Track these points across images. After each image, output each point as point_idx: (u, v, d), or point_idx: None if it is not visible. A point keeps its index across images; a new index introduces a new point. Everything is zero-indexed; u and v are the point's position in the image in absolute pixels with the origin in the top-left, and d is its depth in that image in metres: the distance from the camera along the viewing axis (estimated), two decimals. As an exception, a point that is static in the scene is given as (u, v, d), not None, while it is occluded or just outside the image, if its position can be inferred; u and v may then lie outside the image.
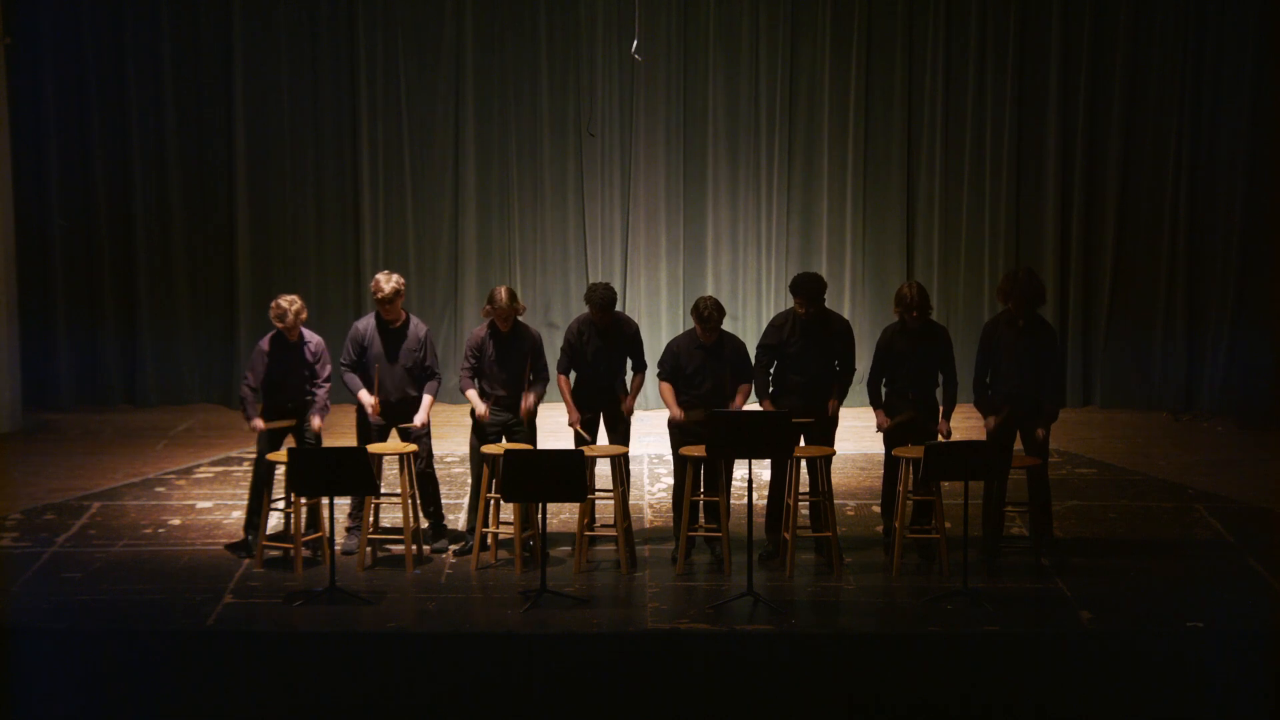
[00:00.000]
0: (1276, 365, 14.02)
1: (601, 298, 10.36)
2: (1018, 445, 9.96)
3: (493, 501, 10.19)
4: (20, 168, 14.17)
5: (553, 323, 14.61)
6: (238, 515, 11.06)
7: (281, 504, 10.32)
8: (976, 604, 9.28)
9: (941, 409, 10.18)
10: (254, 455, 10.49)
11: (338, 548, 9.91)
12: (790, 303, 10.39)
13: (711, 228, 15.02)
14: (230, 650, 8.86)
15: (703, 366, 10.17)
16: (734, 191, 14.98)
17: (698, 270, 15.05)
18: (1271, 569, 9.96)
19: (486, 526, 10.18)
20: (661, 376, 10.31)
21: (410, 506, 10.10)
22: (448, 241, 15.06)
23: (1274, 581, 9.79)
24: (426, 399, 10.42)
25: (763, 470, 12.28)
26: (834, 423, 10.28)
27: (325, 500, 9.87)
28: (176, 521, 11.03)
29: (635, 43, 13.54)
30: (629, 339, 10.56)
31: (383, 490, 10.34)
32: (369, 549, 10.23)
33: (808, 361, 10.14)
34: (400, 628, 9.09)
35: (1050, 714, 8.57)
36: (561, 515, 10.92)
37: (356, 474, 9.38)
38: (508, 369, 10.35)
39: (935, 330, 10.33)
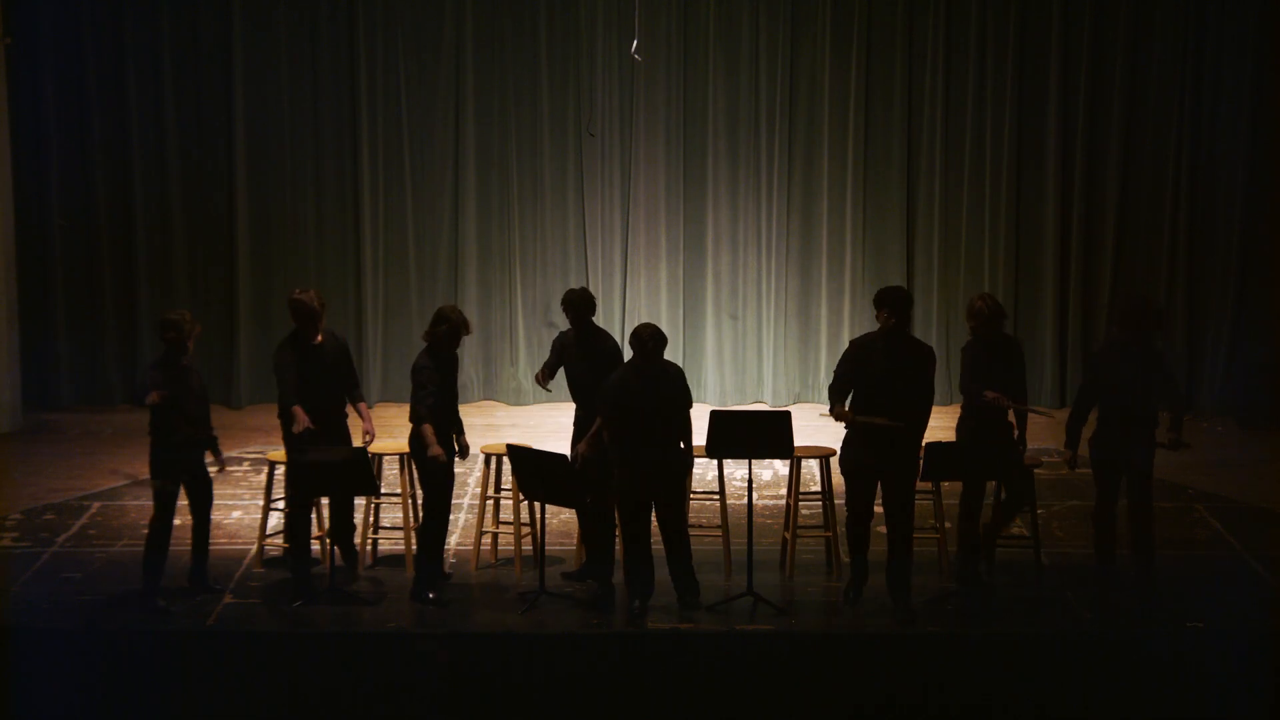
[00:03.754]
0: (1276, 365, 14.03)
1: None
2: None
3: (492, 501, 10.20)
4: (20, 168, 14.17)
5: (552, 323, 14.61)
6: (238, 515, 11.07)
7: (281, 504, 10.31)
8: (976, 604, 9.28)
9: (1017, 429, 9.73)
10: (254, 456, 10.47)
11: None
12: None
13: (711, 228, 15.02)
14: (230, 650, 8.86)
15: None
16: (734, 191, 14.98)
17: (698, 270, 15.04)
18: (1271, 569, 9.96)
19: (486, 527, 10.18)
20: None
21: (410, 507, 10.10)
22: (448, 241, 15.05)
23: (1274, 581, 9.79)
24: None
25: (763, 470, 12.28)
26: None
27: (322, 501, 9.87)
28: (177, 521, 10.94)
29: (635, 43, 13.54)
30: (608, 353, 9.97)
31: (383, 491, 10.34)
32: (369, 549, 10.23)
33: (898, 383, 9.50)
34: (400, 628, 9.09)
35: (1050, 714, 8.57)
36: (562, 514, 10.91)
37: (356, 474, 9.37)
38: (324, 385, 9.81)
39: (1013, 343, 9.88)
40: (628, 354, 9.61)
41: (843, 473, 9.45)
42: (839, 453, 9.50)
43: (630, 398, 9.25)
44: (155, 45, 14.67)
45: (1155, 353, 9.68)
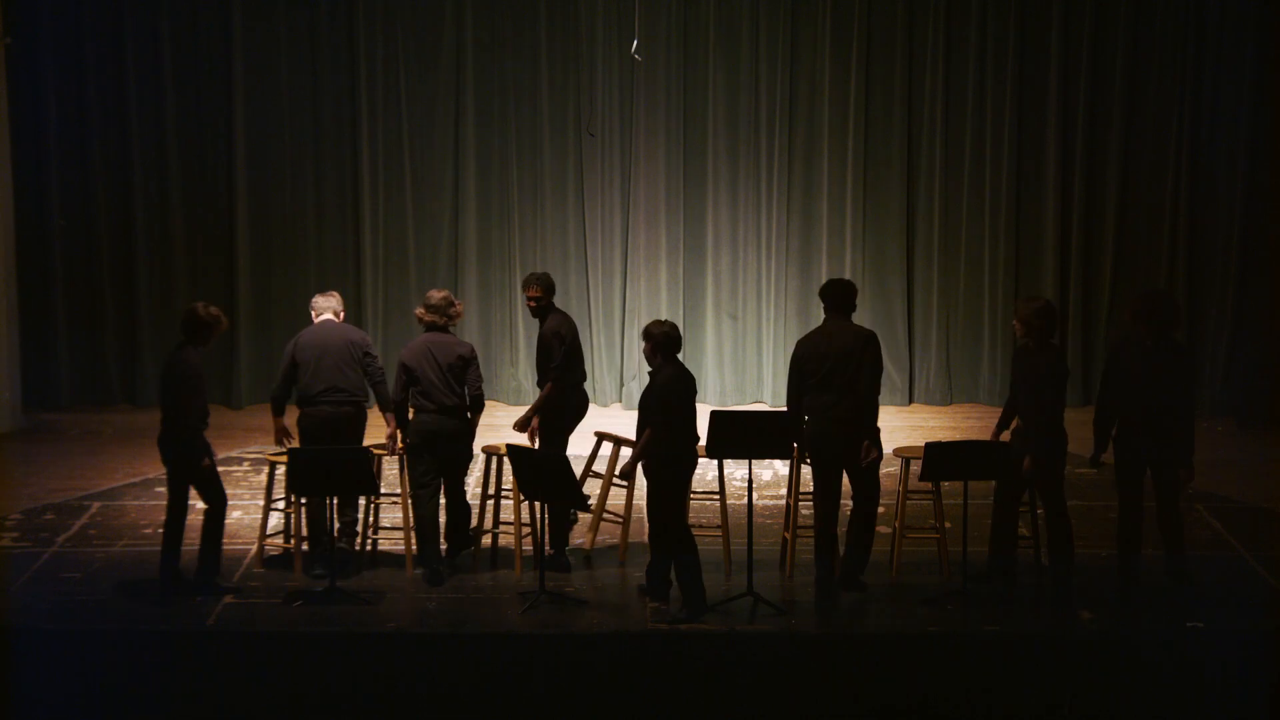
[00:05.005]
0: (1276, 365, 14.02)
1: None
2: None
3: (492, 501, 10.21)
4: (20, 168, 14.17)
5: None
6: (238, 515, 11.06)
7: (282, 504, 10.32)
8: (976, 604, 9.28)
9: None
10: (254, 456, 10.47)
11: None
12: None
13: (711, 228, 15.02)
14: (230, 650, 8.86)
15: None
16: (734, 191, 14.98)
17: (698, 270, 15.04)
18: (1271, 569, 9.96)
19: (486, 527, 10.18)
20: None
21: (410, 507, 10.10)
22: (448, 241, 15.06)
23: (1274, 581, 9.79)
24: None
25: (763, 470, 12.28)
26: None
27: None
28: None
29: (635, 43, 13.55)
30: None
31: (383, 490, 10.34)
32: (369, 548, 10.24)
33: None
34: (400, 628, 9.09)
35: (1051, 714, 8.57)
36: (561, 515, 10.92)
37: (356, 474, 9.37)
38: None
39: (1046, 350, 9.64)
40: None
41: (811, 464, 9.68)
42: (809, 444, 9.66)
43: None
44: (155, 46, 14.67)
45: (1181, 354, 9.55)
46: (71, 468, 12.56)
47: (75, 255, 14.87)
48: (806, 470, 10.12)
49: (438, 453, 9.89)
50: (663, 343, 9.43)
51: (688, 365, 14.91)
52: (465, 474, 10.08)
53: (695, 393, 9.52)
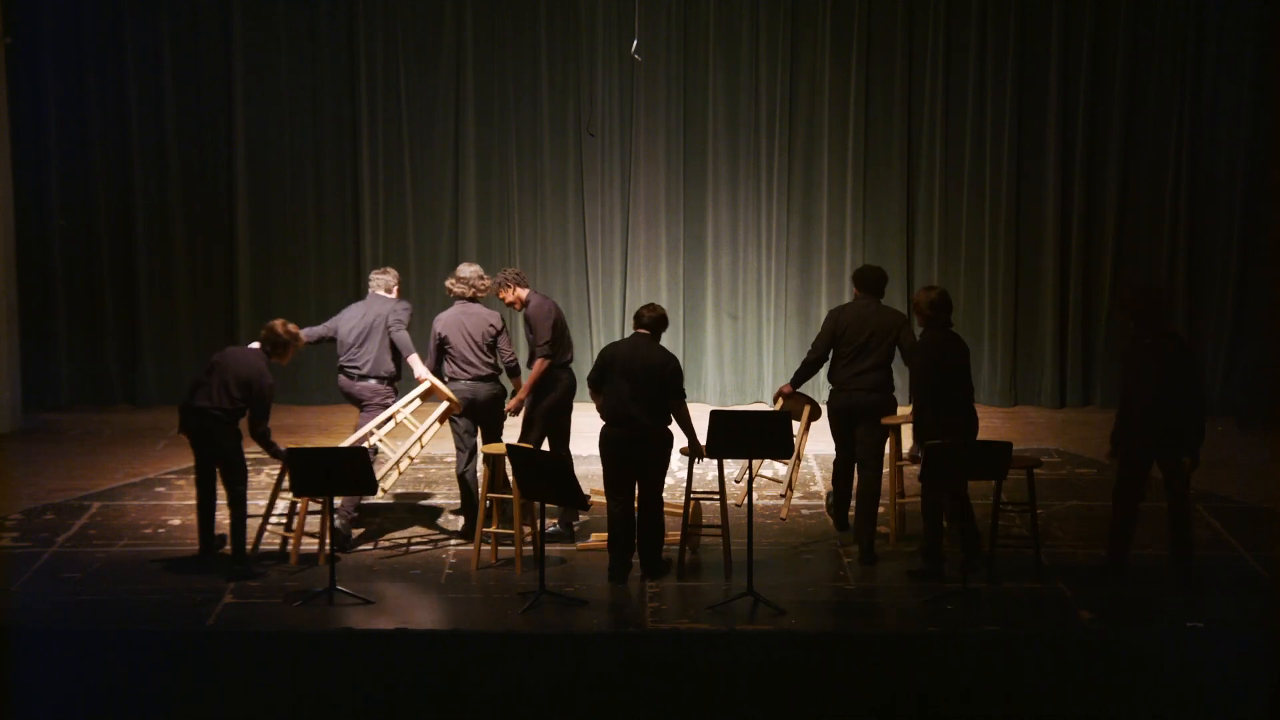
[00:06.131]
0: (1276, 365, 14.02)
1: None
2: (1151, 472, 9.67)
3: (492, 501, 10.21)
4: (20, 168, 14.17)
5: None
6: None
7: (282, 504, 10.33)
8: (976, 604, 9.28)
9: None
10: (254, 456, 10.48)
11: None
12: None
13: (711, 228, 15.02)
14: (230, 650, 8.86)
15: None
16: (734, 191, 14.98)
17: (698, 270, 15.04)
18: (1271, 569, 9.95)
19: (487, 526, 10.18)
20: None
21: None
22: (448, 241, 15.06)
23: (1274, 581, 9.78)
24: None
25: (763, 470, 12.27)
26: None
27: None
28: (176, 521, 11.03)
29: (635, 43, 13.55)
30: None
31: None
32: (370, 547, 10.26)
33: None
34: (400, 628, 9.10)
35: (1050, 714, 8.57)
36: (562, 515, 10.91)
37: (356, 474, 9.38)
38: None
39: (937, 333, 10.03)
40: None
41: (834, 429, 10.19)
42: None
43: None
44: (155, 45, 14.68)
45: (1185, 351, 9.60)
46: (71, 468, 12.56)
47: (75, 255, 14.87)
48: (805, 470, 10.15)
49: (476, 418, 10.52)
50: (649, 324, 9.88)
51: (688, 365, 14.92)
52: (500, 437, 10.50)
53: (615, 368, 9.78)
